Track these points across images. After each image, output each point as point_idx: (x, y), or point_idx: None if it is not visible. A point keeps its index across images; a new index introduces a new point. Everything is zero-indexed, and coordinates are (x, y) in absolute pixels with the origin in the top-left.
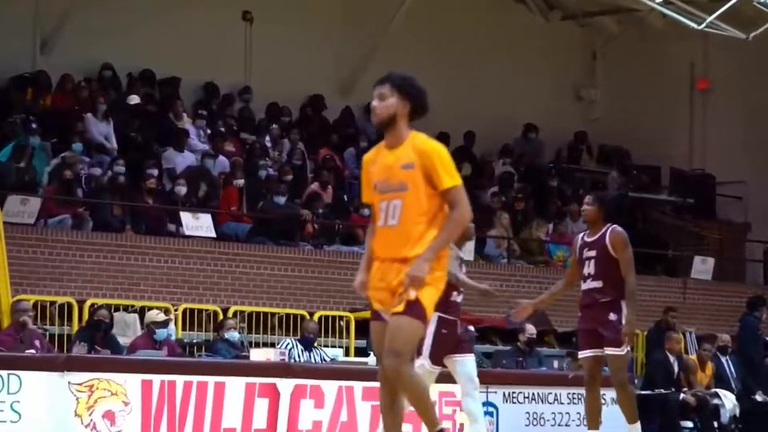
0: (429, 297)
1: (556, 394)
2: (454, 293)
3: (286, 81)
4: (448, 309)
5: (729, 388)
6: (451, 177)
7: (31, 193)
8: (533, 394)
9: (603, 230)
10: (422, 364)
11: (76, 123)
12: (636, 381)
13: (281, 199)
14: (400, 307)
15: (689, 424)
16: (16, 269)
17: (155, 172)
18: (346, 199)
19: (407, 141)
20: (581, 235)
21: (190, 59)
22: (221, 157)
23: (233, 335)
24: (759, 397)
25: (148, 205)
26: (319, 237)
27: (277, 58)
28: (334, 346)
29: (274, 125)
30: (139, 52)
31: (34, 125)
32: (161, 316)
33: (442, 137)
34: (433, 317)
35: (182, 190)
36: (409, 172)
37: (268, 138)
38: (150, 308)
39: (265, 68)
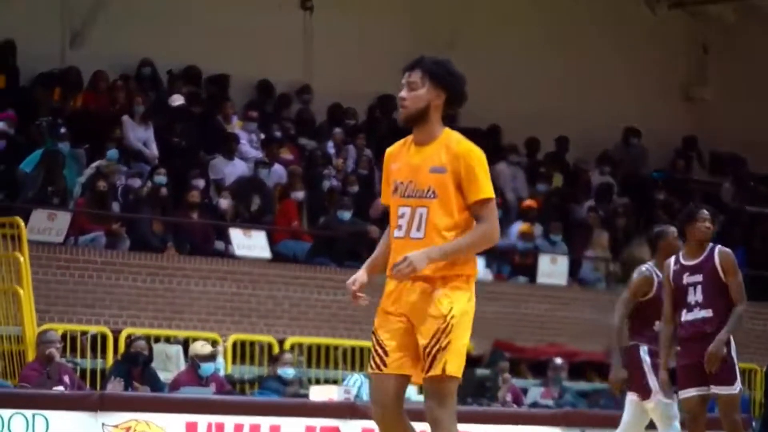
0: (460, 339)
1: None
2: (657, 323)
3: (352, 79)
4: (654, 340)
5: None
6: (486, 188)
7: (59, 207)
8: None
9: (707, 251)
10: (658, 401)
11: (111, 127)
12: (753, 424)
13: (346, 214)
14: (437, 369)
15: None
16: (43, 294)
17: (201, 183)
18: None
19: (440, 139)
20: (672, 259)
21: (240, 54)
22: (277, 166)
23: (289, 372)
24: None
25: (193, 221)
26: None
27: (341, 53)
28: None
29: (337, 129)
30: (182, 46)
31: (63, 129)
32: (207, 348)
33: (532, 143)
34: (643, 349)
35: (231, 203)
36: (440, 177)
37: (330, 144)
38: (195, 339)
39: (328, 64)
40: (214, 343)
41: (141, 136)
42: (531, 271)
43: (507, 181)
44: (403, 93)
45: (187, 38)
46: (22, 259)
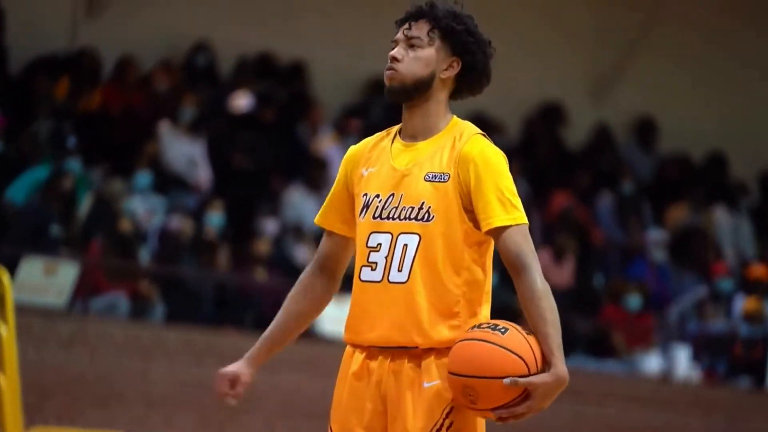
0: None
1: None
2: None
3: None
4: None
5: None
6: (512, 209)
7: (63, 254)
8: None
9: None
10: None
11: (142, 138)
12: None
13: None
14: None
15: None
16: (34, 384)
17: (273, 225)
18: (596, 280)
19: (444, 133)
20: None
21: (337, 39)
22: None
23: None
24: None
25: (261, 282)
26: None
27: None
28: None
29: None
30: (253, 24)
31: (71, 139)
32: None
33: (680, 161)
34: None
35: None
36: (439, 188)
37: None
38: None
39: None
40: None
41: (187, 151)
42: (759, 370)
43: (726, 235)
44: (397, 51)
45: (263, 15)
46: (4, 330)
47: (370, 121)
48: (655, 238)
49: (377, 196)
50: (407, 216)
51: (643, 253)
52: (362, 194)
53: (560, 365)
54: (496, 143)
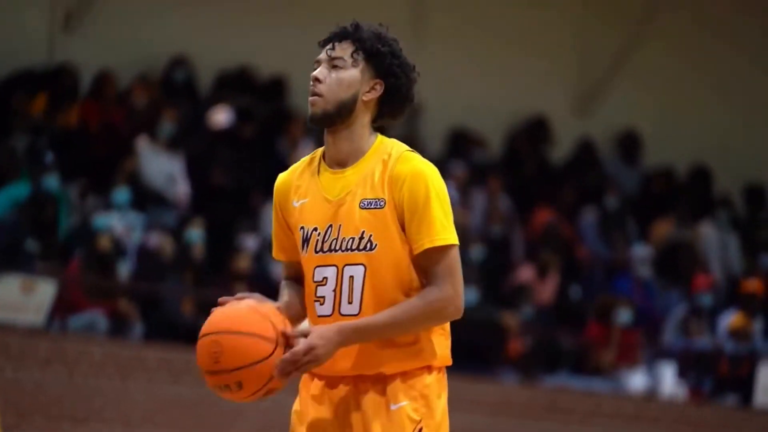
0: None
1: None
2: None
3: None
4: None
5: None
6: (445, 229)
7: (40, 272)
8: None
9: None
10: None
11: (121, 153)
12: None
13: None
14: None
15: None
16: (12, 403)
17: (253, 242)
18: (580, 295)
19: (370, 154)
20: None
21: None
22: None
23: None
24: None
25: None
26: (531, 362)
27: (460, 74)
28: None
29: (458, 165)
30: (233, 38)
31: (49, 156)
32: None
33: (753, 192)
34: None
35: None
36: (377, 215)
37: (449, 185)
38: None
39: (442, 85)
40: None
41: (166, 168)
42: (746, 388)
43: (713, 250)
44: (319, 72)
45: (242, 29)
46: None
47: None
48: (641, 253)
49: (315, 229)
50: (349, 247)
51: (628, 269)
52: (299, 227)
53: (329, 332)
54: (478, 158)
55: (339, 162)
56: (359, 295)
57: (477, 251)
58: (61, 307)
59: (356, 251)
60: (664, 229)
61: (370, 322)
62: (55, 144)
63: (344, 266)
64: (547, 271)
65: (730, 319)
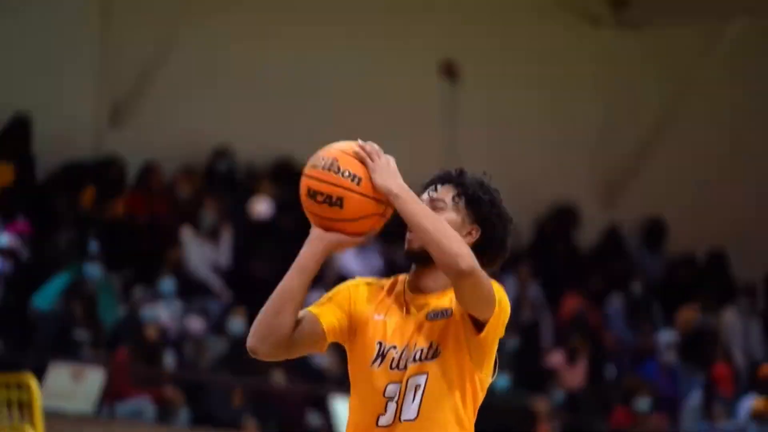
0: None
1: None
2: None
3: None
4: None
5: None
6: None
7: (89, 360)
8: None
9: None
10: None
11: (165, 244)
12: None
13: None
14: None
15: None
16: None
17: None
18: (606, 379)
19: (451, 291)
20: None
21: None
22: None
23: None
24: None
25: (281, 386)
26: None
27: (489, 163)
28: None
29: None
30: (270, 130)
31: (93, 246)
32: None
33: (687, 261)
34: None
35: (334, 360)
36: (443, 324)
37: None
38: None
39: (475, 158)
40: None
41: (209, 257)
42: None
43: (736, 337)
44: None
45: (281, 120)
46: None
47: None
48: (666, 339)
49: (394, 347)
50: (418, 358)
51: (654, 354)
52: (376, 342)
53: (396, 171)
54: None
55: (422, 288)
56: (419, 399)
57: (508, 338)
58: (111, 395)
59: (423, 361)
60: (689, 315)
61: (416, 198)
62: (102, 235)
63: (409, 377)
64: (577, 357)
65: (752, 403)
